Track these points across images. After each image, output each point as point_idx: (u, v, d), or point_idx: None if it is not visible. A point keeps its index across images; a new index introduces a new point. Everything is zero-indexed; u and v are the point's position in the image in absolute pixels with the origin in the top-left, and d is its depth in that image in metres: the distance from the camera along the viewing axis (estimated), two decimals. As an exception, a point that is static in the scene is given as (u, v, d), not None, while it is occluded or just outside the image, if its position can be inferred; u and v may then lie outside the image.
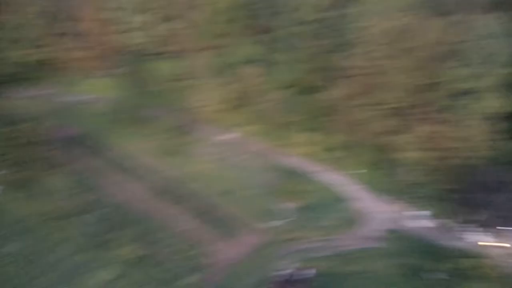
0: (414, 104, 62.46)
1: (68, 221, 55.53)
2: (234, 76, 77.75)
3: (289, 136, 69.63)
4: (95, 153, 68.82)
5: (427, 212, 58.84)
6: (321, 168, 66.87)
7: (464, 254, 52.58)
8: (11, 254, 50.80)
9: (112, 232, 52.40)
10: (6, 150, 58.82)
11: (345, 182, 64.46)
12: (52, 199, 56.60)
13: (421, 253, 53.14)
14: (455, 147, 58.85)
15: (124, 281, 48.47)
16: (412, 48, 63.56)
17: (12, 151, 58.96)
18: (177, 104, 78.64)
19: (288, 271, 50.78)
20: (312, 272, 50.56)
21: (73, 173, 61.45)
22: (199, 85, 74.81)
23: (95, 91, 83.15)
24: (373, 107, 64.50)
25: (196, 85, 75.61)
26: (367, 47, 66.04)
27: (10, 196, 58.93)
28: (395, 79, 62.44)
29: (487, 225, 54.51)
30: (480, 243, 54.35)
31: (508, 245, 53.93)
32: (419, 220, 58.13)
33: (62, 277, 48.69)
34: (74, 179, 57.58)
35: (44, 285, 47.63)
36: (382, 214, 59.33)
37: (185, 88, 79.89)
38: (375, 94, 64.65)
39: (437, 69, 62.46)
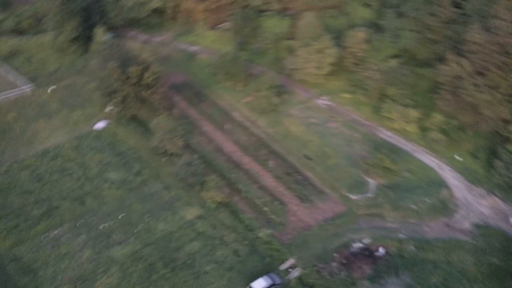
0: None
1: (160, 160, 60.90)
2: (338, 40, 75.75)
3: (386, 109, 66.32)
4: (196, 101, 73.74)
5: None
6: (415, 148, 63.16)
7: None
8: (109, 181, 57.41)
9: (198, 177, 55.91)
10: (117, 88, 64.90)
11: (439, 166, 60.15)
12: (150, 138, 61.96)
13: (512, 255, 48.43)
14: None
15: (202, 222, 52.33)
16: None
17: (122, 90, 64.84)
18: (278, 64, 79.79)
19: (358, 245, 50.32)
20: (381, 251, 49.55)
21: (173, 117, 66.09)
22: (302, 46, 74.29)
23: (204, 43, 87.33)
24: (488, 89, 58.33)
25: (299, 46, 75.24)
26: (492, 22, 59.01)
27: (115, 130, 66.03)
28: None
29: None
30: None
31: None
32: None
33: (148, 209, 54.07)
34: (173, 122, 62.03)
35: (131, 213, 53.45)
36: (475, 206, 54.78)
37: (288, 48, 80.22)
38: (493, 75, 58.21)
39: None
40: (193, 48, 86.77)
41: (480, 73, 59.69)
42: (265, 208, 54.47)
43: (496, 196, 55.69)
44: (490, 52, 58.46)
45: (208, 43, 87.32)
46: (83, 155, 61.68)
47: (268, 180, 58.85)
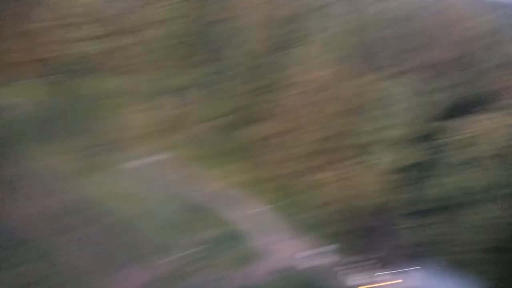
0: (324, 150, 67.15)
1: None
2: (169, 100, 79.23)
3: (215, 165, 71.54)
4: (10, 162, 67.62)
5: (323, 251, 61.75)
6: (235, 201, 68.28)
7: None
8: None
9: (2, 253, 49.89)
10: None
11: (255, 218, 66.16)
12: None
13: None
14: (355, 194, 64.14)
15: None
16: (333, 98, 68.71)
17: None
18: (107, 122, 78.82)
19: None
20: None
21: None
22: (133, 105, 75.54)
23: (23, 97, 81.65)
24: (289, 148, 68.52)
25: (130, 104, 76.24)
26: (292, 92, 70.48)
27: None
28: (311, 125, 67.10)
29: (372, 268, 59.05)
30: (360, 286, 58.20)
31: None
32: (313, 259, 60.85)
33: None
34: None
35: None
36: (281, 252, 61.51)
37: (118, 106, 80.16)
38: (292, 136, 68.74)
39: (352, 120, 68.05)
40: (12, 102, 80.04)
41: (280, 134, 69.71)
42: (80, 281, 50.58)
43: (300, 239, 63.06)
44: (287, 117, 69.32)
45: (29, 97, 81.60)
46: None
47: (86, 247, 55.43)
